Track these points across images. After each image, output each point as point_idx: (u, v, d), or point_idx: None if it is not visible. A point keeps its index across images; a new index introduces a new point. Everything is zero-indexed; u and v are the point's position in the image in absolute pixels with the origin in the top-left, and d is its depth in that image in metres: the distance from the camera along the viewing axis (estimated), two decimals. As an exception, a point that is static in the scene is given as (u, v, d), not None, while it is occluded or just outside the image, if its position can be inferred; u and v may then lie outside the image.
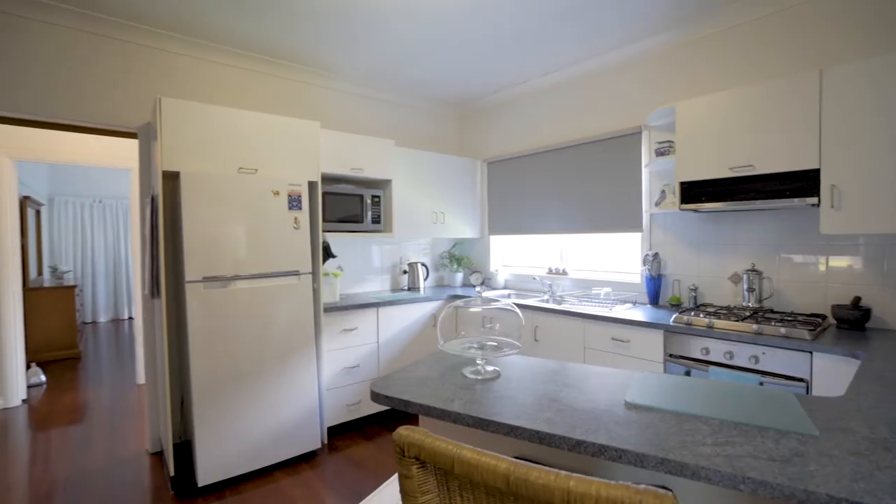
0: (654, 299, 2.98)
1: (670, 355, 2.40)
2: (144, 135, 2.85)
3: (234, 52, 3.12)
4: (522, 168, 3.89)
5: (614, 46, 3.09)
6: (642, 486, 0.59)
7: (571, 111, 3.53)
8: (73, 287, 5.41)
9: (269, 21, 2.72)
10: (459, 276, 4.31)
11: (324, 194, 3.17)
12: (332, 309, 3.04)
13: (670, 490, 0.60)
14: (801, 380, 1.99)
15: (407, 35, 2.92)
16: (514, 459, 0.68)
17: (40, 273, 6.35)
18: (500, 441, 1.36)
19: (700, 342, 2.29)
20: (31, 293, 5.07)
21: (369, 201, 3.42)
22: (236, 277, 2.51)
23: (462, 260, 4.38)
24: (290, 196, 2.71)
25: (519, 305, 3.22)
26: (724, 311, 2.47)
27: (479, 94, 4.12)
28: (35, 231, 6.06)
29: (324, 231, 3.15)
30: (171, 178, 2.57)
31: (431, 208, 3.90)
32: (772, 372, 2.07)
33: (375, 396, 1.33)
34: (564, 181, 3.56)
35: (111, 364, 5.07)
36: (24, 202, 5.10)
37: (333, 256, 3.25)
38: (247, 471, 2.53)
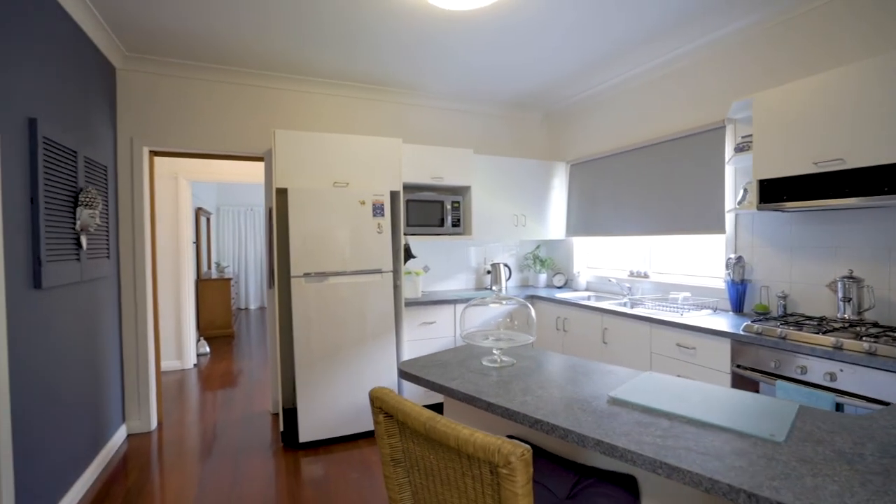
0: (738, 306, 2.77)
1: (738, 366, 2.27)
2: (268, 159, 3.55)
3: (331, 83, 3.69)
4: (603, 169, 3.85)
5: (697, 36, 2.94)
6: (506, 439, 0.77)
7: (652, 108, 3.41)
8: (230, 279, 6.72)
9: (360, 57, 3.19)
10: (543, 276, 4.40)
11: (407, 201, 3.57)
12: (412, 303, 3.43)
13: (530, 446, 0.77)
14: (885, 403, 1.76)
15: (474, 61, 3.16)
16: (432, 413, 0.90)
17: (209, 268, 7.97)
18: (496, 421, 1.54)
19: (771, 354, 2.13)
20: (202, 283, 6.45)
21: (449, 206, 3.73)
22: (330, 274, 3.02)
23: (546, 261, 4.46)
24: (374, 205, 3.14)
25: (587, 307, 3.24)
26: (810, 322, 2.24)
27: (559, 98, 4.17)
28: (206, 234, 7.65)
29: (406, 234, 3.55)
30: (282, 193, 3.18)
31: (512, 211, 4.07)
32: (851, 392, 1.86)
33: (401, 373, 1.62)
34: (645, 181, 3.45)
35: (255, 342, 6.21)
36: (198, 212, 6.50)
37: (414, 257, 3.63)
38: (337, 435, 3.03)
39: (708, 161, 2.98)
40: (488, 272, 4.34)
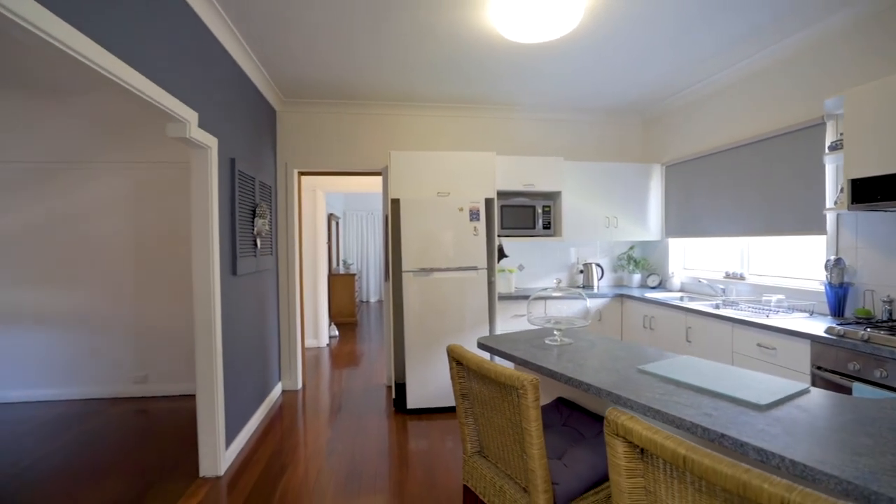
0: (836, 310, 2.69)
1: (818, 367, 2.28)
2: (385, 173, 4.26)
3: (435, 106, 4.27)
4: (700, 170, 3.84)
5: (795, 30, 2.89)
6: (523, 373, 1.18)
7: (749, 106, 3.37)
8: (354, 275, 7.80)
9: (458, 83, 3.72)
10: (637, 277, 4.49)
11: (501, 207, 4.00)
12: (505, 298, 3.85)
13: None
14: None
15: (563, 77, 3.48)
16: (482, 358, 1.34)
17: (337, 264, 9.26)
18: (550, 384, 1.91)
19: (852, 356, 2.13)
20: (332, 278, 7.61)
21: (540, 210, 4.07)
22: (433, 269, 3.58)
23: (640, 262, 4.53)
24: (470, 210, 3.64)
25: (672, 306, 3.34)
26: (904, 326, 2.17)
27: (654, 101, 4.23)
28: (335, 236, 8.92)
29: (499, 236, 3.98)
30: (395, 202, 3.83)
31: (603, 213, 4.25)
32: (933, 394, 1.83)
33: (479, 345, 2.07)
34: (742, 181, 3.41)
35: (374, 329, 7.16)
36: (330, 217, 7.68)
37: (506, 256, 4.05)
38: (435, 406, 3.58)
39: (807, 159, 2.91)
40: (581, 272, 4.56)
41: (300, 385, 4.27)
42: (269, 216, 3.65)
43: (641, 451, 0.89)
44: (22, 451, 2.97)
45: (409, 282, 3.55)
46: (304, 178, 5.61)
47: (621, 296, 4.02)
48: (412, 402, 3.56)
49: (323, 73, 3.48)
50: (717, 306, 3.30)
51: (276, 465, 2.76)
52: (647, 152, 4.62)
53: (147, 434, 3.22)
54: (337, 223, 9.21)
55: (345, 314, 7.69)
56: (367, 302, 10.37)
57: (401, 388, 3.77)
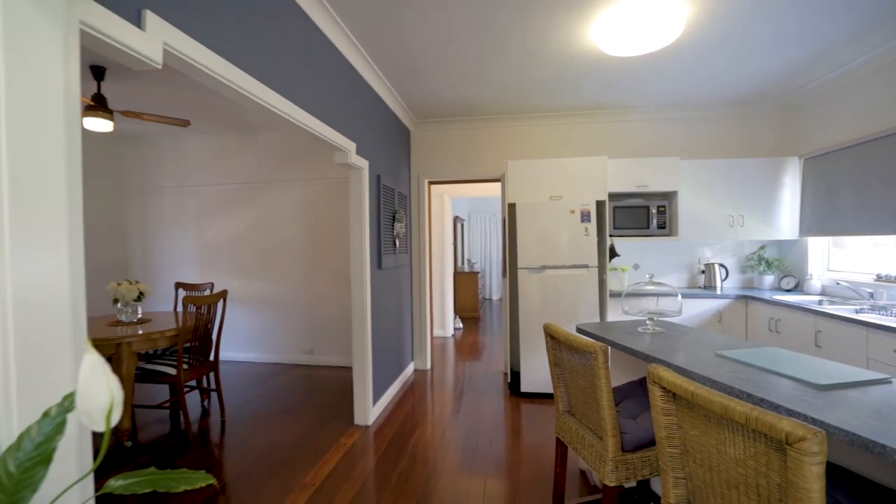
0: None
1: (965, 375, 2.09)
2: (503, 180, 4.70)
3: (547, 116, 4.57)
4: (845, 161, 3.51)
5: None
6: (595, 342, 1.52)
7: (904, 92, 3.03)
8: (477, 273, 8.39)
9: (569, 94, 3.99)
10: (769, 278, 4.22)
11: (614, 208, 4.15)
12: (616, 295, 4.00)
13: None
14: None
15: (677, 77, 3.53)
16: (569, 332, 1.70)
17: (462, 263, 9.98)
18: (639, 365, 2.14)
19: None
20: (457, 275, 8.30)
21: (654, 211, 4.12)
22: (546, 267, 3.92)
23: (772, 263, 4.25)
24: (581, 212, 3.89)
25: (799, 308, 3.18)
26: None
27: (786, 91, 3.95)
28: (461, 237, 9.64)
29: (611, 236, 4.13)
30: (511, 207, 4.24)
31: (726, 212, 4.11)
32: None
33: (578, 329, 2.38)
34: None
35: (495, 324, 7.65)
36: (455, 220, 8.40)
37: (617, 255, 4.18)
38: (546, 391, 3.91)
39: (973, 148, 2.57)
40: (702, 272, 4.44)
41: (429, 366, 4.95)
42: (405, 220, 4.37)
43: (673, 396, 1.18)
44: (240, 392, 4.11)
45: (523, 278, 3.94)
46: (432, 186, 6.35)
47: (745, 297, 3.86)
48: (525, 387, 3.94)
49: (447, 96, 4.07)
50: (858, 311, 3.06)
51: (409, 423, 3.40)
52: (783, 145, 4.29)
53: (314, 392, 4.15)
54: (462, 225, 9.94)
55: (468, 309, 8.33)
56: (490, 299, 10.93)
57: (515, 374, 4.18)
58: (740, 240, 4.27)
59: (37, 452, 0.61)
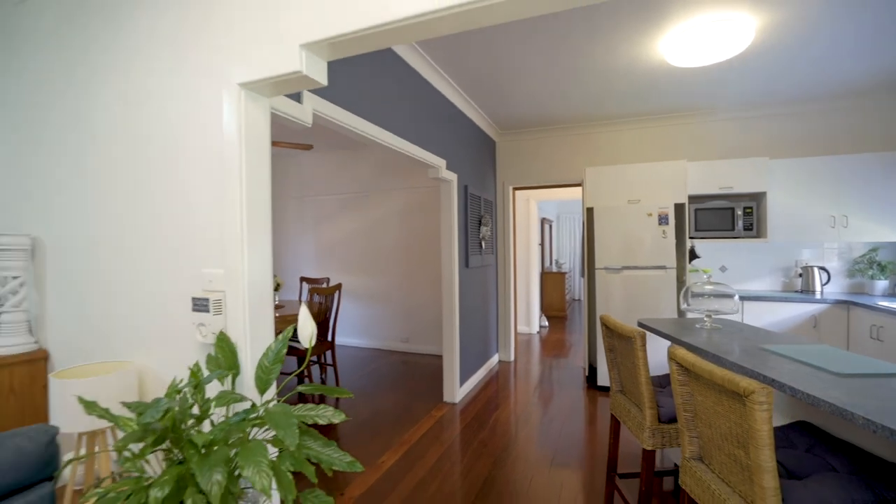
0: None
1: None
2: (583, 185, 4.93)
3: (625, 122, 4.69)
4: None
5: None
6: (637, 328, 1.83)
7: None
8: (565, 273, 8.55)
9: (647, 100, 4.13)
10: (882, 283, 3.94)
11: (695, 210, 4.19)
12: (698, 296, 4.05)
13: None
14: None
15: (767, 74, 3.53)
16: (618, 321, 2.02)
17: (550, 263, 10.14)
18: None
19: None
20: (545, 275, 8.54)
21: (740, 212, 4.08)
22: (623, 268, 4.11)
23: (886, 266, 3.95)
24: (659, 215, 4.01)
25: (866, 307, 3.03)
26: None
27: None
28: (548, 238, 9.83)
29: (692, 238, 4.18)
30: (590, 210, 4.48)
31: (826, 212, 3.93)
32: None
33: (638, 323, 2.64)
34: None
35: (581, 324, 7.77)
36: (543, 221, 8.64)
37: (698, 257, 4.20)
38: (625, 387, 4.09)
39: None
40: (799, 275, 4.26)
41: (512, 358, 5.35)
42: (490, 224, 4.82)
43: (686, 370, 1.48)
44: (350, 370, 4.89)
45: (601, 278, 4.18)
46: (516, 191, 6.71)
47: (846, 302, 3.67)
48: (602, 381, 4.17)
49: (527, 110, 4.44)
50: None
51: (492, 403, 3.85)
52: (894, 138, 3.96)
53: (409, 374, 4.78)
54: (550, 226, 10.11)
55: (555, 308, 8.53)
56: (578, 300, 10.93)
57: (593, 369, 4.41)
58: (846, 241, 4.04)
59: (275, 356, 1.18)
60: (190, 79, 1.66)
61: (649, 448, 1.84)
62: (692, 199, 4.29)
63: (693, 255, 4.15)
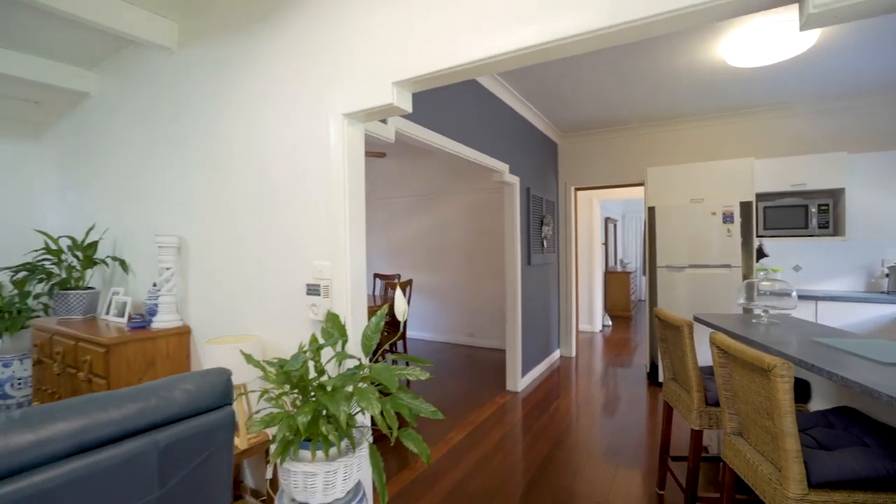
0: None
1: None
2: (645, 185, 4.97)
3: (688, 120, 4.66)
4: None
5: None
6: (689, 320, 2.01)
7: None
8: (629, 273, 8.45)
9: (709, 98, 4.12)
10: (983, 285, 3.66)
11: (764, 208, 4.11)
12: (764, 294, 3.99)
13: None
14: None
15: (847, 62, 3.44)
16: (668, 312, 2.20)
17: (614, 263, 10.01)
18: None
19: None
20: (608, 275, 8.49)
21: (814, 210, 3.95)
22: (685, 267, 4.14)
23: None
24: (724, 214, 4.00)
25: None
26: None
27: None
28: (613, 237, 9.71)
29: (760, 237, 4.10)
30: (651, 210, 4.52)
31: (914, 209, 3.72)
32: None
33: (695, 318, 2.75)
34: None
35: (646, 325, 7.66)
36: (607, 221, 8.60)
37: (766, 256, 4.11)
38: (687, 385, 4.12)
39: None
40: (886, 275, 4.04)
41: (574, 354, 5.49)
42: (552, 224, 5.02)
43: (724, 353, 1.66)
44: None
45: (662, 277, 4.23)
46: (578, 192, 6.80)
47: (937, 304, 3.47)
48: (661, 378, 4.22)
49: (589, 113, 4.58)
50: None
51: (552, 394, 4.06)
52: None
53: (474, 366, 5.10)
54: (615, 226, 9.98)
55: (619, 308, 8.45)
56: (643, 300, 10.65)
57: (654, 366, 4.47)
58: (937, 239, 3.78)
59: (376, 327, 1.54)
60: (302, 112, 2.09)
61: (697, 428, 2.00)
62: (760, 196, 4.21)
63: (761, 254, 4.08)
